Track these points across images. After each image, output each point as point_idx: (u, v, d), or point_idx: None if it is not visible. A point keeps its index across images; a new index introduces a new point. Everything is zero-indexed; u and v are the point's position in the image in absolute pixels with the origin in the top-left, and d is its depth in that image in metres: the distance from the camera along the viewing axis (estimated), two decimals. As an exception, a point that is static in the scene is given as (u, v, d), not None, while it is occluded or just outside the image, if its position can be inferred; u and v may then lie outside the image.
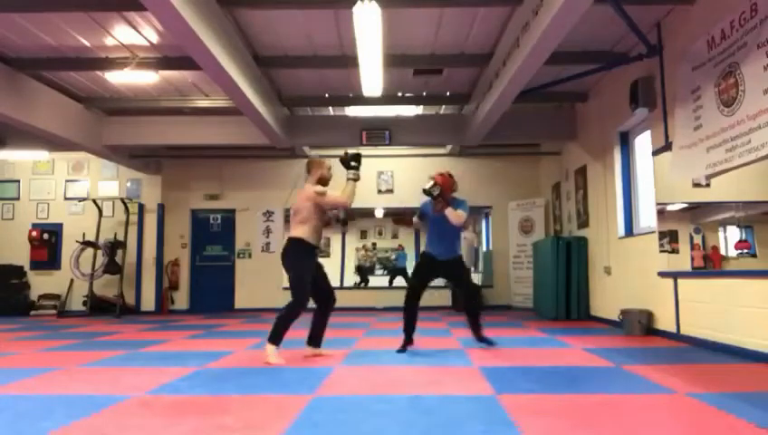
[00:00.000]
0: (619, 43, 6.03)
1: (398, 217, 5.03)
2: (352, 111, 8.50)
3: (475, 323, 4.92)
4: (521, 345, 5.17)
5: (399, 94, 7.88)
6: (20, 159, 10.30)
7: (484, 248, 12.52)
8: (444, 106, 8.60)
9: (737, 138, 4.08)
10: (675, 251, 5.30)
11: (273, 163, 10.30)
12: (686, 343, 4.92)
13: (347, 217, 4.94)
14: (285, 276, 4.42)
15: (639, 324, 5.67)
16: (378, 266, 16.84)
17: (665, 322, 5.43)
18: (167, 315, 9.57)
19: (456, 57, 6.57)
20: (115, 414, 2.76)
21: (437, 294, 10.46)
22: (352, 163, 4.35)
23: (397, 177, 10.52)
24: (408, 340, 4.75)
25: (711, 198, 5.09)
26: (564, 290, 7.64)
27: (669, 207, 5.43)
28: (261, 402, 2.98)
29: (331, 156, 10.49)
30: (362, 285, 14.65)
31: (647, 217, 6.13)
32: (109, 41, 6.03)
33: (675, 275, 5.21)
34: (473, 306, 4.98)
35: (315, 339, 4.50)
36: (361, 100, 7.74)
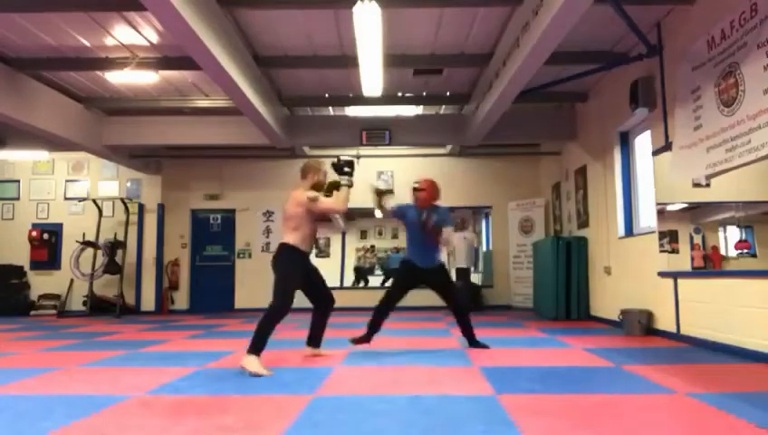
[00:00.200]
0: (619, 43, 6.04)
1: (381, 191, 4.80)
2: (352, 111, 8.50)
3: (467, 330, 4.90)
4: (521, 345, 5.18)
5: (399, 94, 7.88)
6: (20, 159, 10.29)
7: (484, 248, 12.51)
8: (444, 106, 8.60)
9: (737, 138, 4.08)
10: (675, 251, 5.30)
11: (273, 163, 10.30)
12: (686, 343, 4.92)
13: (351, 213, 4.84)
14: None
15: (639, 324, 5.67)
16: (377, 267, 16.83)
17: (665, 322, 5.43)
18: (167, 315, 9.57)
19: (456, 57, 6.57)
20: (115, 414, 2.76)
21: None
22: (345, 169, 4.24)
23: (397, 177, 10.50)
24: (369, 337, 4.73)
25: (711, 198, 5.09)
26: (564, 290, 7.63)
27: (669, 207, 5.43)
28: (261, 402, 2.98)
29: (331, 156, 10.51)
30: (361, 285, 14.65)
31: (647, 217, 6.13)
32: (109, 41, 6.03)
33: (675, 275, 5.21)
34: (462, 314, 4.92)
35: (315, 339, 4.49)
36: (361, 100, 7.74)
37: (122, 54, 6.37)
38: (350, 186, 4.22)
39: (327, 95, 7.87)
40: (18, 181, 10.51)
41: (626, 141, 6.70)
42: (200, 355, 4.69)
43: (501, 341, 5.47)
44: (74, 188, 10.47)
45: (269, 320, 3.92)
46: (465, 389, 3.28)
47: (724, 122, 4.27)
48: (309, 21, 5.65)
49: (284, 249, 4.11)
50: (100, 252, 9.70)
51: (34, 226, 10.27)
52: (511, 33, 5.60)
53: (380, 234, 17.50)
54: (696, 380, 3.40)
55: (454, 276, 10.24)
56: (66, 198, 10.43)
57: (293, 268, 4.08)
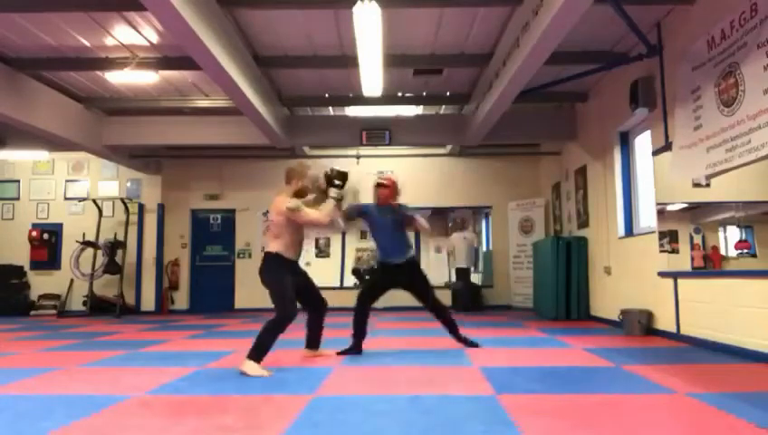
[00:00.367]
0: (619, 43, 6.03)
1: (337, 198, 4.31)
2: (352, 111, 8.50)
3: (451, 326, 4.86)
4: (521, 345, 5.18)
5: (399, 94, 7.88)
6: (20, 159, 10.29)
7: (484, 248, 12.51)
8: (444, 106, 8.60)
9: (737, 138, 4.08)
10: (675, 251, 5.30)
11: (273, 163, 10.28)
12: (686, 343, 4.92)
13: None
14: None
15: (639, 324, 5.67)
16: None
17: (665, 322, 5.43)
18: (167, 315, 9.57)
19: (456, 57, 6.57)
20: (115, 414, 2.76)
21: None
22: (336, 182, 4.15)
23: (397, 177, 10.51)
24: (358, 345, 4.62)
25: (711, 198, 5.09)
26: (564, 290, 7.63)
27: (669, 207, 5.43)
28: (261, 402, 2.98)
29: (331, 156, 10.53)
30: (359, 285, 14.63)
31: (647, 217, 6.13)
32: (109, 41, 6.03)
33: (675, 275, 5.20)
34: (441, 313, 4.87)
35: (313, 342, 4.45)
36: (361, 100, 7.74)
37: (122, 54, 6.37)
38: (338, 199, 4.13)
39: (327, 95, 7.87)
40: (18, 181, 10.51)
41: (626, 141, 6.70)
42: (200, 355, 4.70)
43: (501, 341, 5.47)
44: (74, 188, 10.47)
45: (273, 330, 3.87)
46: (465, 389, 3.28)
47: (724, 122, 4.26)
48: (309, 21, 5.65)
49: (268, 259, 4.03)
50: (100, 252, 9.70)
51: (34, 226, 10.27)
52: (511, 33, 5.60)
53: (380, 234, 17.46)
54: (696, 380, 3.40)
55: (454, 276, 10.27)
56: (66, 198, 10.43)
57: (281, 274, 3.98)
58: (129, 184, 10.43)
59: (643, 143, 6.24)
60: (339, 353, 4.54)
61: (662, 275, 5.38)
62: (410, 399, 2.98)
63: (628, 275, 6.34)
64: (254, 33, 5.97)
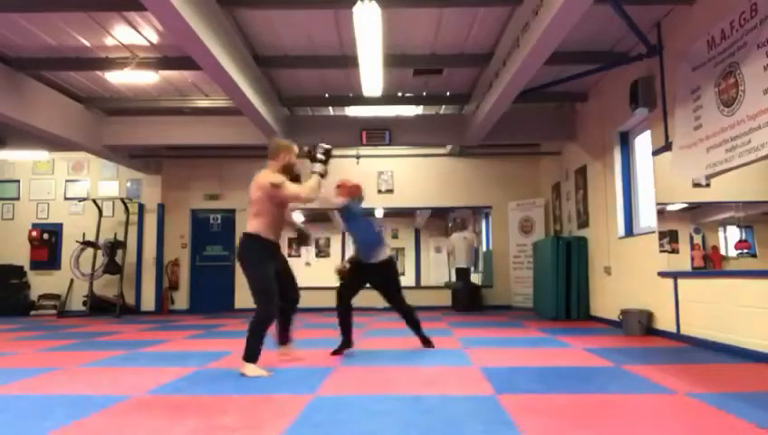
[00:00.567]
0: (619, 43, 6.04)
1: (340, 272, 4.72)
2: (352, 111, 8.50)
3: (415, 324, 4.86)
4: (521, 345, 5.18)
5: (399, 94, 7.88)
6: (20, 159, 10.30)
7: (484, 248, 12.52)
8: (444, 106, 8.60)
9: (737, 138, 4.08)
10: (675, 251, 5.30)
11: (273, 163, 10.30)
12: (686, 343, 4.92)
13: (304, 234, 4.43)
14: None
15: (639, 324, 5.67)
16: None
17: (665, 322, 5.43)
18: (167, 315, 9.58)
19: (456, 57, 6.57)
20: (115, 414, 2.76)
21: (437, 293, 10.49)
22: (320, 157, 3.93)
23: (397, 177, 10.52)
24: (348, 342, 4.63)
25: (711, 198, 5.09)
26: (564, 290, 7.64)
27: (669, 207, 5.43)
28: (261, 402, 2.98)
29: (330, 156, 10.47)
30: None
31: (647, 217, 6.13)
32: (109, 41, 6.03)
33: (675, 275, 5.21)
34: (409, 316, 4.85)
35: (284, 337, 4.27)
36: (361, 100, 7.75)
37: (122, 54, 6.37)
38: (322, 174, 3.92)
39: (327, 95, 7.87)
40: (18, 181, 10.51)
41: (626, 141, 6.70)
42: (200, 355, 4.70)
43: (501, 341, 5.48)
44: (74, 188, 10.47)
45: (260, 326, 3.73)
46: (465, 389, 3.28)
47: (724, 122, 4.27)
48: (309, 21, 5.65)
49: (247, 241, 3.77)
50: (100, 252, 9.70)
51: (34, 226, 10.28)
52: (511, 33, 5.60)
53: (380, 234, 17.49)
54: (696, 380, 3.40)
55: (454, 276, 10.28)
56: (66, 198, 10.44)
57: (261, 260, 3.76)
58: (129, 184, 10.44)
59: (643, 143, 6.24)
60: (332, 353, 4.54)
61: (662, 275, 5.38)
62: (410, 399, 2.98)
63: (628, 275, 6.34)
64: (254, 33, 5.97)
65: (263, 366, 3.76)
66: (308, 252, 16.61)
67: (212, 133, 8.57)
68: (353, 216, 4.68)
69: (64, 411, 2.78)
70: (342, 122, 8.64)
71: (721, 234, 5.11)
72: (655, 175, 5.54)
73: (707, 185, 4.84)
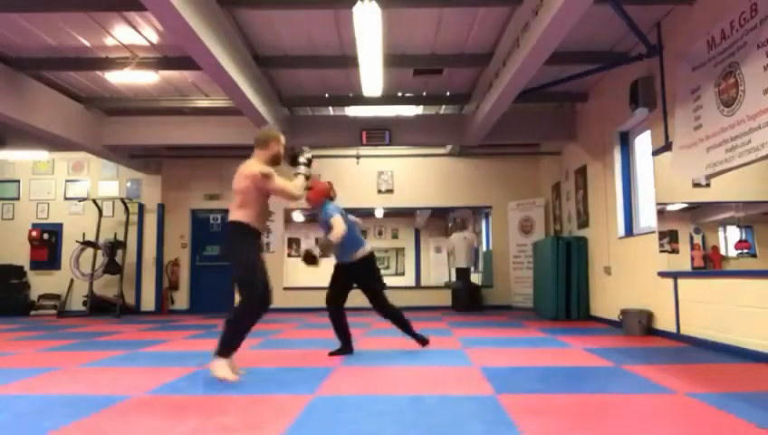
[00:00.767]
0: (619, 43, 6.04)
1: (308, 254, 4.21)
2: (352, 111, 8.50)
3: (404, 326, 4.71)
4: (521, 345, 5.18)
5: (399, 94, 7.88)
6: (20, 159, 10.30)
7: (484, 248, 12.52)
8: (444, 106, 8.60)
9: (737, 138, 4.08)
10: (675, 251, 5.30)
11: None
12: (686, 343, 4.92)
13: (322, 252, 4.20)
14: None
15: (639, 324, 5.67)
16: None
17: (665, 322, 5.43)
18: (167, 315, 9.58)
19: (456, 57, 6.57)
20: (115, 414, 2.76)
21: (437, 293, 10.49)
22: (302, 160, 3.88)
23: (397, 177, 10.52)
24: (345, 345, 4.58)
25: (711, 198, 5.09)
26: (564, 290, 7.64)
27: (669, 207, 5.43)
28: (261, 402, 2.98)
29: (331, 156, 10.50)
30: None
31: (647, 217, 6.13)
32: (109, 41, 6.03)
33: (675, 275, 5.21)
34: (391, 313, 4.69)
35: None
36: (361, 100, 7.75)
37: (122, 54, 6.37)
38: (307, 176, 3.89)
39: (327, 95, 7.87)
40: (18, 181, 10.51)
41: (626, 141, 6.70)
42: (200, 355, 4.69)
43: (501, 341, 5.48)
44: (74, 188, 10.47)
45: (245, 319, 3.52)
46: (465, 389, 3.28)
47: (724, 122, 4.27)
48: (309, 21, 5.65)
49: (237, 229, 3.55)
50: (100, 252, 9.70)
51: (34, 226, 10.27)
52: (511, 33, 5.60)
53: (380, 234, 17.51)
54: (696, 380, 3.40)
55: (454, 276, 10.28)
56: (66, 198, 10.44)
57: (252, 249, 3.56)
58: (129, 184, 10.43)
59: (643, 143, 6.25)
60: (330, 354, 4.52)
61: (662, 275, 5.38)
62: (410, 399, 2.98)
63: (628, 275, 6.34)
64: (254, 33, 5.97)
65: (249, 366, 3.75)
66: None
67: (212, 133, 8.56)
68: (329, 217, 4.41)
69: (64, 411, 2.78)
70: (342, 122, 8.64)
71: (721, 234, 5.11)
72: (655, 175, 5.54)
73: (707, 185, 4.84)
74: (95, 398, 3.09)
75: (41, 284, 10.18)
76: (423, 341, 4.74)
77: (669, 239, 5.34)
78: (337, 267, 4.70)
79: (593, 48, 6.19)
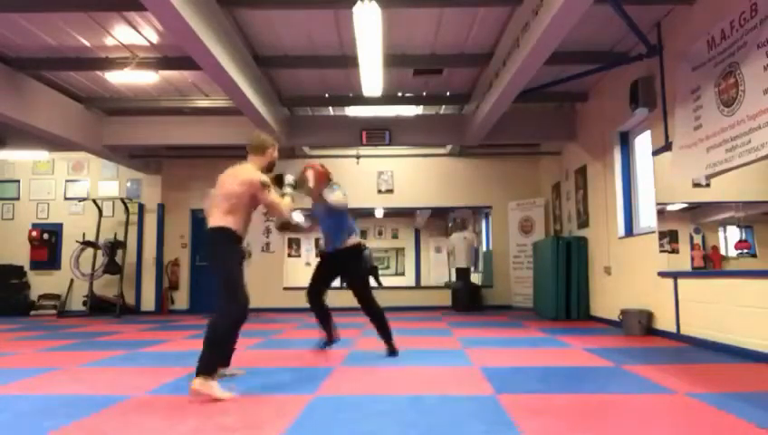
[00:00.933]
0: (619, 43, 6.04)
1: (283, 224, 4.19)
2: (352, 111, 8.50)
3: (384, 330, 4.48)
4: (521, 345, 5.18)
5: (399, 94, 7.88)
6: (20, 159, 10.30)
7: (484, 248, 12.52)
8: (444, 106, 8.60)
9: (737, 138, 4.08)
10: (675, 251, 5.30)
11: (273, 163, 10.29)
12: (686, 343, 4.92)
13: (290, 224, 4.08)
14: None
15: (639, 324, 5.67)
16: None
17: (665, 322, 5.43)
18: (167, 315, 9.57)
19: (456, 57, 6.57)
20: (115, 414, 2.76)
21: (438, 293, 10.48)
22: (288, 181, 3.79)
23: (397, 177, 10.52)
24: (329, 336, 4.61)
25: (711, 198, 5.10)
26: (564, 290, 7.64)
27: (669, 207, 5.43)
28: (261, 402, 2.98)
29: (331, 156, 10.49)
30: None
31: (647, 217, 6.13)
32: (109, 41, 6.03)
33: (675, 275, 5.21)
34: (374, 314, 4.47)
35: (225, 356, 3.53)
36: (361, 100, 7.74)
37: (122, 54, 6.37)
38: (292, 197, 3.71)
39: (327, 95, 7.87)
40: (18, 181, 10.51)
41: (626, 141, 6.70)
42: (200, 355, 4.69)
43: (501, 341, 5.47)
44: (74, 188, 10.47)
45: (230, 330, 3.31)
46: (465, 389, 3.28)
47: (724, 122, 4.27)
48: (309, 21, 5.65)
49: (221, 234, 3.34)
50: (100, 252, 9.70)
51: (34, 226, 10.27)
52: (511, 33, 5.60)
53: (380, 234, 17.53)
54: (696, 380, 3.40)
55: (454, 276, 10.28)
56: (66, 198, 10.43)
57: (235, 256, 3.42)
58: (129, 184, 10.43)
59: (643, 143, 6.25)
60: (324, 348, 4.54)
61: (662, 275, 5.38)
62: (410, 399, 2.98)
63: (628, 275, 6.34)
64: (254, 33, 5.97)
65: (250, 366, 3.75)
66: (307, 251, 16.64)
67: (212, 133, 8.56)
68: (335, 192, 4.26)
69: (64, 411, 2.78)
70: (342, 122, 8.64)
71: (721, 234, 5.12)
72: (655, 175, 5.54)
73: (707, 185, 4.84)
74: (95, 398, 3.09)
75: (41, 284, 10.18)
76: (393, 351, 4.48)
77: (669, 239, 5.34)
78: (323, 257, 4.63)
79: (593, 48, 6.18)
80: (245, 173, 3.46)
